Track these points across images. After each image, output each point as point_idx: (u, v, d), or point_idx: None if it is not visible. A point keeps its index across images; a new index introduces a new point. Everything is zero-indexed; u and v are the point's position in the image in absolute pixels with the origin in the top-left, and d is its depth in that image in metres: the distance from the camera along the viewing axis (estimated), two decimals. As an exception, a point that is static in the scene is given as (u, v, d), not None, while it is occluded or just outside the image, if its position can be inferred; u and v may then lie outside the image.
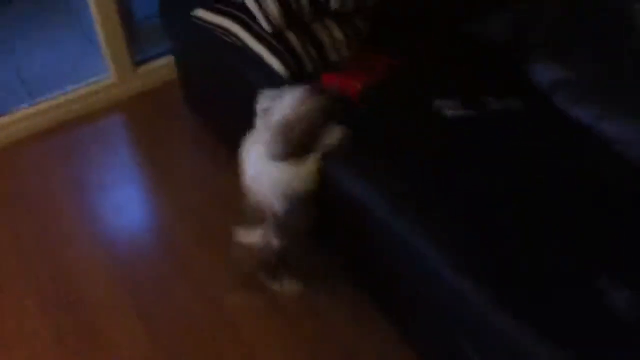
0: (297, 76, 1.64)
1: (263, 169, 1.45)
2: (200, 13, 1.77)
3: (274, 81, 1.64)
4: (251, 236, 1.59)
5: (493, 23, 1.80)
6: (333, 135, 1.42)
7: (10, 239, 1.94)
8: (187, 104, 2.29)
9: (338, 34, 1.68)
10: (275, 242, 1.56)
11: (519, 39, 1.73)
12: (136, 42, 2.40)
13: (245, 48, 1.70)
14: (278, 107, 1.39)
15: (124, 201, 2.09)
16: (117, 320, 1.72)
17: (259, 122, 1.45)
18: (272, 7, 1.60)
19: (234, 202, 1.66)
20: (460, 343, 1.30)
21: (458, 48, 1.80)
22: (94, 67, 2.44)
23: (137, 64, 2.43)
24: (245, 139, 1.50)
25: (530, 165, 1.46)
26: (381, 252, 1.49)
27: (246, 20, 1.68)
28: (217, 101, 2.04)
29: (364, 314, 1.70)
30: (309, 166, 1.42)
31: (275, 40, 1.63)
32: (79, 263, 1.87)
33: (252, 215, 1.56)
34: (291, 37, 1.64)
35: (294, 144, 1.38)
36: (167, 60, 2.42)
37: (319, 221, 1.62)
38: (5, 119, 2.26)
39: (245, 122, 1.54)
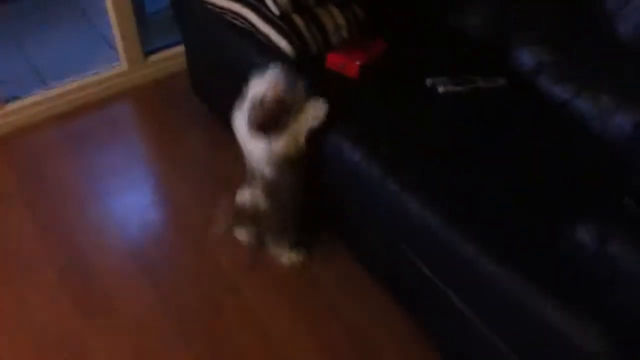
0: (302, 56, 1.77)
1: (250, 139, 1.60)
2: (212, -1, 1.91)
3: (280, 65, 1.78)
4: (245, 195, 1.73)
5: (477, 14, 1.96)
6: (317, 109, 1.58)
7: (28, 217, 2.05)
8: (194, 91, 2.42)
9: (340, 18, 1.83)
10: (262, 203, 1.70)
11: (503, 28, 1.89)
12: (146, 34, 2.54)
13: (253, 32, 1.84)
14: (255, 83, 1.55)
15: (133, 183, 2.21)
16: (130, 290, 1.83)
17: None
18: (280, -8, 1.75)
19: (236, 182, 1.79)
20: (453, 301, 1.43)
21: (446, 35, 1.95)
22: (105, 58, 2.58)
23: (147, 54, 2.57)
24: (235, 109, 1.63)
25: (516, 135, 1.61)
26: (373, 213, 1.62)
27: (255, 4, 1.82)
28: (223, 86, 2.15)
29: (367, 289, 1.83)
30: (286, 138, 1.57)
31: (282, 23, 1.77)
32: (93, 240, 1.98)
33: (249, 176, 1.70)
34: (297, 20, 1.79)
35: (265, 120, 1.53)
36: (176, 52, 2.57)
37: (318, 196, 1.77)
38: (20, 103, 2.38)
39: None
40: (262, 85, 1.55)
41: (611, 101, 1.66)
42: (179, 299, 1.81)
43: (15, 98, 2.38)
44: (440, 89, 1.70)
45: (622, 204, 1.26)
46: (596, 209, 1.36)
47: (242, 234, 1.85)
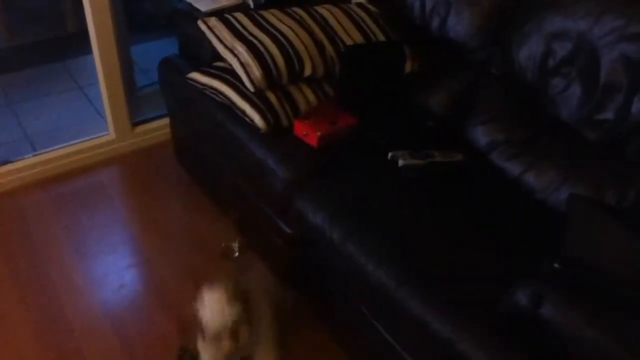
0: (274, 129, 1.93)
1: None
2: (194, 75, 2.09)
3: (254, 135, 1.94)
4: None
5: (441, 95, 2.14)
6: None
7: (9, 275, 2.13)
8: (177, 160, 2.58)
9: (310, 95, 2.00)
10: None
11: (460, 109, 2.07)
12: (135, 106, 2.72)
13: (230, 106, 2.00)
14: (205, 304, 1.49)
15: (113, 246, 2.30)
16: (101, 350, 1.89)
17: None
18: (256, 72, 1.92)
19: (212, 244, 1.88)
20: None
21: (409, 114, 2.13)
22: (94, 126, 2.76)
23: (135, 125, 2.73)
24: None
25: (467, 206, 1.74)
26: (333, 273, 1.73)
27: (233, 81, 1.99)
28: (203, 154, 2.32)
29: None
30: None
31: (257, 99, 1.94)
32: (69, 298, 2.05)
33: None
34: (271, 96, 1.95)
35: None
36: (161, 123, 2.74)
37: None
38: (10, 166, 2.52)
39: (227, 171, 1.74)
40: (206, 312, 1.47)
41: (558, 176, 1.81)
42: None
43: (6, 162, 2.51)
44: (400, 162, 1.85)
45: (553, 268, 1.38)
46: (536, 273, 1.48)
47: None
